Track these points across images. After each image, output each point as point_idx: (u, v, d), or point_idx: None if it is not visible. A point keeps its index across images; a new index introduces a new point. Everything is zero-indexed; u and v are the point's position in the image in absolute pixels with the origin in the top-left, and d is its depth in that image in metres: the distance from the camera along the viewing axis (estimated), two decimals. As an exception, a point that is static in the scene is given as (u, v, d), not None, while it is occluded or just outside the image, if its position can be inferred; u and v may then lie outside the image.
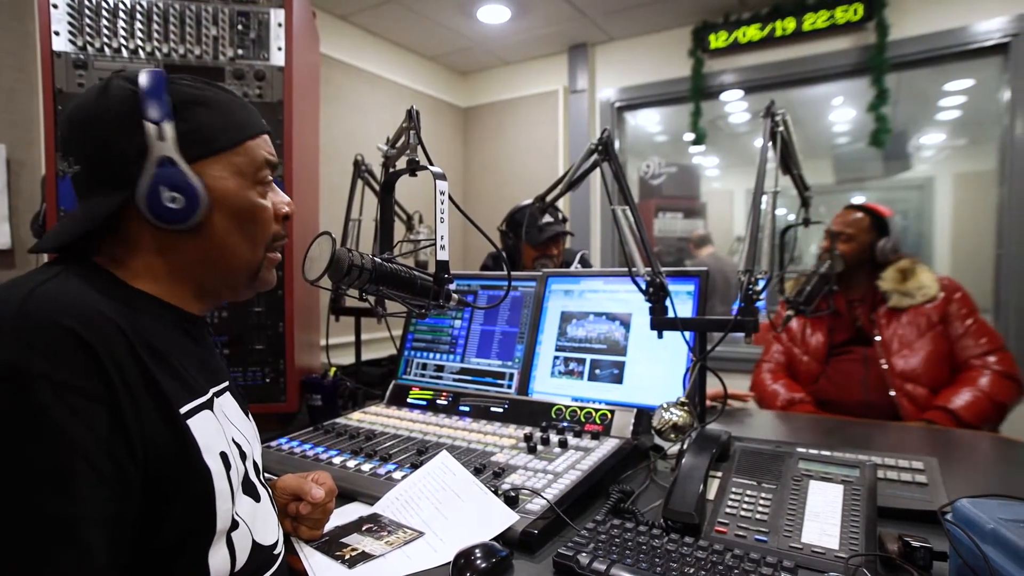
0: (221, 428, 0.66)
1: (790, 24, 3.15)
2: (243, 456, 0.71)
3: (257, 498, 0.71)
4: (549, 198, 1.44)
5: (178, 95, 0.66)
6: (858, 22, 3.00)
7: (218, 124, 0.69)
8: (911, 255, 2.01)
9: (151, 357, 0.59)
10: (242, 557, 0.65)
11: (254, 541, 0.68)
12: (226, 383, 0.75)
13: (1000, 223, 2.82)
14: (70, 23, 1.33)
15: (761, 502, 0.90)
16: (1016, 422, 1.78)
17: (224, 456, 0.64)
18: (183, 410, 0.61)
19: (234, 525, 0.64)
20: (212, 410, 0.67)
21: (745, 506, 0.89)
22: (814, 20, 3.09)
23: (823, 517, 0.85)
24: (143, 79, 0.65)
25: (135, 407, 0.55)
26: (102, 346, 0.54)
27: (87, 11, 1.34)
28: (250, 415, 0.82)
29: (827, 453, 1.01)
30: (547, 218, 2.28)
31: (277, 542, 0.74)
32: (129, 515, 0.54)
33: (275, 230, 0.75)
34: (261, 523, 0.70)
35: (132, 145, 0.63)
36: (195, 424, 0.61)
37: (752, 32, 3.26)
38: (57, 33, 1.32)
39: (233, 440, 0.69)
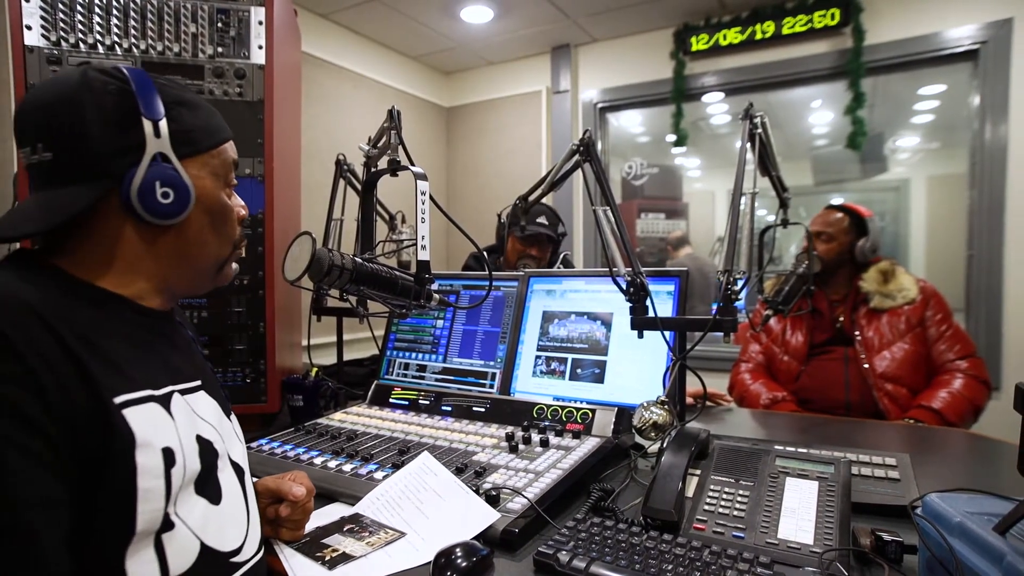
0: (174, 424, 0.64)
1: (769, 28, 3.20)
2: (212, 453, 0.69)
3: (216, 500, 0.68)
4: (531, 198, 1.44)
5: (165, 94, 0.68)
6: (835, 27, 3.05)
7: (200, 126, 0.71)
8: (888, 256, 2.06)
9: (81, 345, 0.58)
10: (180, 562, 0.61)
11: (203, 545, 0.64)
12: (197, 382, 0.73)
13: (970, 225, 2.89)
14: (43, 17, 1.30)
15: (739, 499, 0.91)
16: (985, 420, 1.84)
17: (168, 452, 0.61)
18: (118, 400, 0.59)
19: (167, 526, 0.60)
20: (167, 406, 0.65)
21: (723, 503, 0.91)
22: (793, 24, 3.15)
23: (799, 513, 0.86)
24: (133, 75, 0.66)
25: (61, 389, 0.54)
26: (14, 329, 0.53)
27: (61, 5, 1.31)
28: (233, 417, 0.81)
29: (803, 450, 1.03)
30: (542, 219, 2.29)
31: (240, 549, 0.70)
32: (70, 498, 0.54)
33: (239, 230, 0.78)
34: (216, 526, 0.67)
35: (125, 140, 0.64)
36: (133, 415, 0.59)
37: (732, 35, 3.30)
38: (29, 28, 1.30)
39: (199, 437, 0.67)
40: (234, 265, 0.80)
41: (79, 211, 0.63)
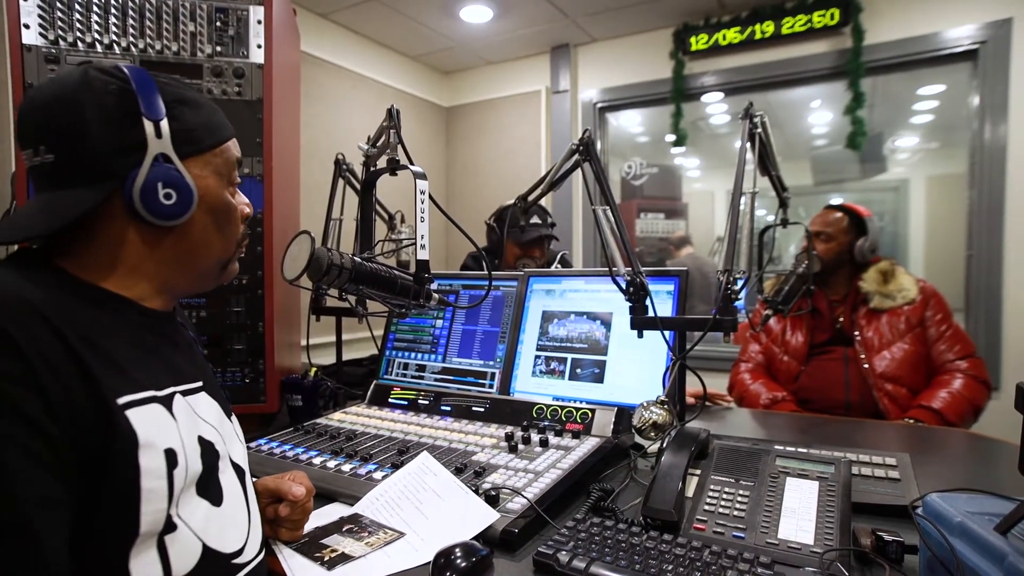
0: (176, 425, 0.64)
1: (769, 27, 3.20)
2: (213, 455, 0.69)
3: (217, 501, 0.68)
4: (531, 198, 1.44)
5: (166, 93, 0.67)
6: (835, 26, 3.05)
7: (202, 124, 0.70)
8: (888, 256, 2.06)
9: (84, 345, 0.57)
10: (183, 563, 0.61)
11: (205, 546, 0.64)
12: (199, 383, 0.73)
13: (970, 225, 2.90)
14: (41, 16, 1.30)
15: (739, 499, 0.91)
16: (985, 420, 1.83)
17: (171, 453, 0.61)
18: (121, 400, 0.58)
19: (170, 528, 0.60)
20: (169, 407, 0.64)
21: (723, 503, 0.90)
22: (792, 24, 3.15)
23: (799, 513, 0.86)
24: (133, 74, 0.65)
25: (62, 389, 0.54)
26: (15, 328, 0.53)
27: (59, 4, 1.31)
28: (233, 418, 0.80)
29: (803, 450, 1.03)
30: (535, 220, 2.30)
31: (242, 550, 0.70)
32: (71, 498, 0.54)
33: (242, 228, 0.78)
34: (218, 528, 0.67)
35: (126, 140, 0.64)
36: (136, 416, 0.59)
37: (732, 35, 3.30)
38: (27, 26, 1.29)
39: (201, 438, 0.67)
40: (235, 263, 0.80)
41: (82, 214, 0.62)
